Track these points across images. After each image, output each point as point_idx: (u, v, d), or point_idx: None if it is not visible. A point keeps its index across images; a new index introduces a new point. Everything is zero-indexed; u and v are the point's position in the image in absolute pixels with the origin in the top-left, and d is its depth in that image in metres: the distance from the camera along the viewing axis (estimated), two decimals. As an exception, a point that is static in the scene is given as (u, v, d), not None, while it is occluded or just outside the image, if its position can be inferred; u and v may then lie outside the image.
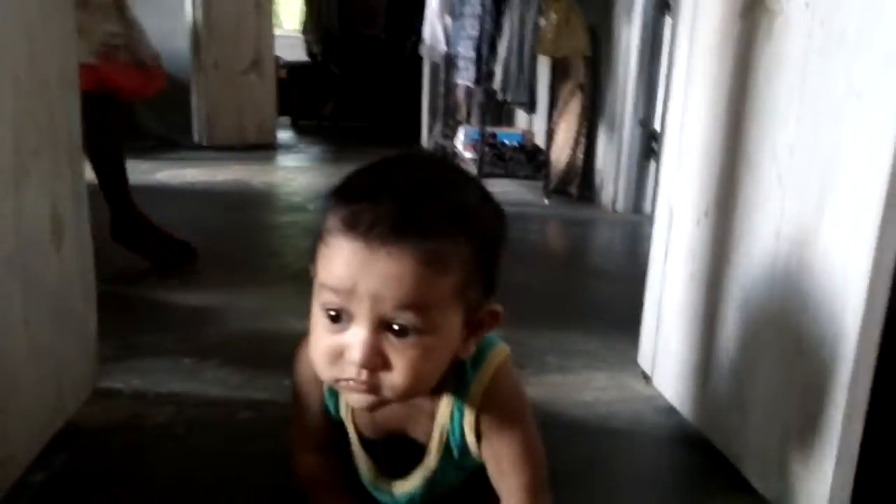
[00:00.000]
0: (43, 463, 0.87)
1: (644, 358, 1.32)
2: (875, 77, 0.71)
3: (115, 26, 1.46)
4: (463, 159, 3.86)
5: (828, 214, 0.79)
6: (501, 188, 3.41)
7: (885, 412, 0.82)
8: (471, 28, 3.25)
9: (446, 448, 0.70)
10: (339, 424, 0.74)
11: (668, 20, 2.71)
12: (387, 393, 0.58)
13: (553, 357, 1.39)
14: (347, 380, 0.58)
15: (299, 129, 5.46)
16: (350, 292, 0.55)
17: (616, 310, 1.70)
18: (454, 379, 0.66)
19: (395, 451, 0.73)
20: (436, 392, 0.67)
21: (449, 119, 4.45)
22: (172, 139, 4.02)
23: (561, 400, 1.22)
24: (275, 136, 4.45)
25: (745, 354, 0.97)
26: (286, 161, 4.13)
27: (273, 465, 0.87)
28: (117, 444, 0.96)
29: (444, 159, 0.72)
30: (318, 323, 0.59)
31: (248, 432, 1.00)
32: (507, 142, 3.52)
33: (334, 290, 0.56)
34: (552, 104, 3.30)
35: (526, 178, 3.32)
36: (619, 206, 2.98)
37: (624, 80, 2.89)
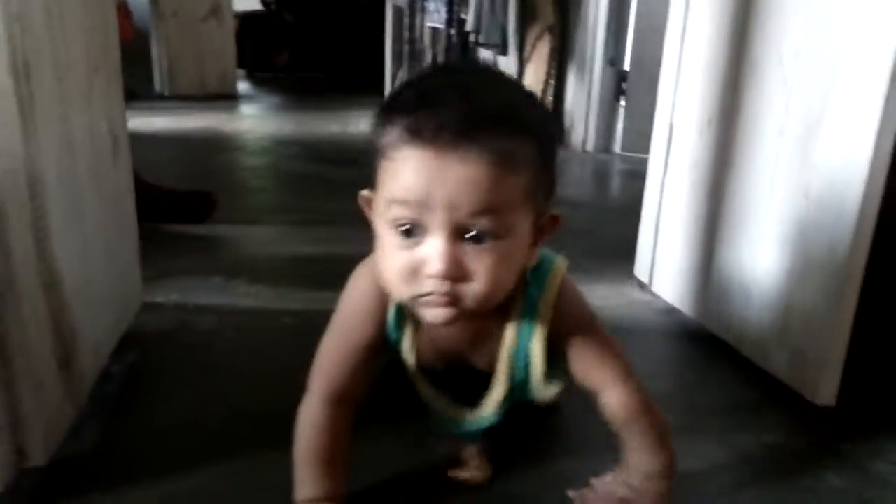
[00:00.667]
0: (117, 359, 0.93)
1: (641, 270, 1.43)
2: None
3: None
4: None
5: (832, 107, 0.89)
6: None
7: (879, 290, 0.94)
8: (439, -31, 3.25)
9: (511, 373, 0.69)
10: (384, 368, 0.72)
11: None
12: (469, 303, 0.57)
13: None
14: (427, 294, 0.56)
15: (256, 81, 5.35)
16: (423, 203, 0.53)
17: (602, 235, 1.81)
18: (521, 298, 0.66)
19: (457, 382, 0.72)
20: (501, 314, 0.66)
21: (414, 64, 4.44)
22: (133, 90, 3.91)
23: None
24: (236, 87, 4.39)
25: (746, 246, 1.08)
26: (250, 110, 4.08)
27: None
28: (176, 343, 1.02)
29: (488, 65, 0.69)
30: (389, 242, 0.57)
31: (294, 333, 1.07)
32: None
33: (406, 203, 0.54)
34: (521, 46, 3.35)
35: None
36: (590, 146, 3.09)
37: (594, 21, 2.96)
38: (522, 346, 0.68)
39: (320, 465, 0.65)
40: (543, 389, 0.72)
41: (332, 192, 2.00)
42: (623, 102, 3.01)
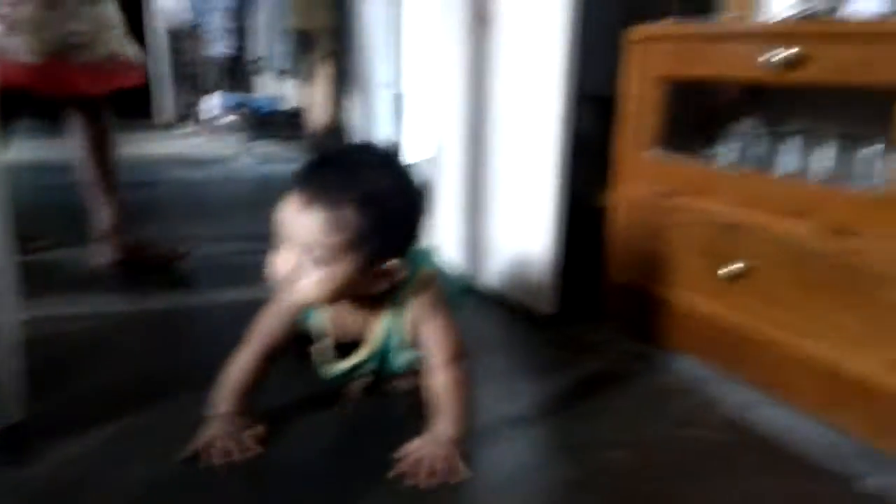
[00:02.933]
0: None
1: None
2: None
3: (83, 24, 1.44)
4: (219, 126, 4.10)
5: (527, 124, 1.43)
6: (266, 149, 3.77)
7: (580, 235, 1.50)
8: (220, 1, 3.50)
9: (385, 340, 1.00)
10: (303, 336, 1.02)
11: None
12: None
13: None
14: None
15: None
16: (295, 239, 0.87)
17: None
18: (392, 297, 0.97)
19: (346, 348, 1.04)
20: (379, 307, 0.98)
21: (193, 88, 4.57)
22: None
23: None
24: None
25: (493, 219, 1.59)
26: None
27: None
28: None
29: (386, 151, 0.95)
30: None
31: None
32: (261, 107, 3.87)
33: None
34: (306, 71, 3.73)
35: (288, 138, 3.74)
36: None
37: (369, 49, 3.44)
38: (392, 324, 1.00)
39: (239, 394, 0.97)
40: (400, 358, 1.03)
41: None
42: (399, 119, 3.52)
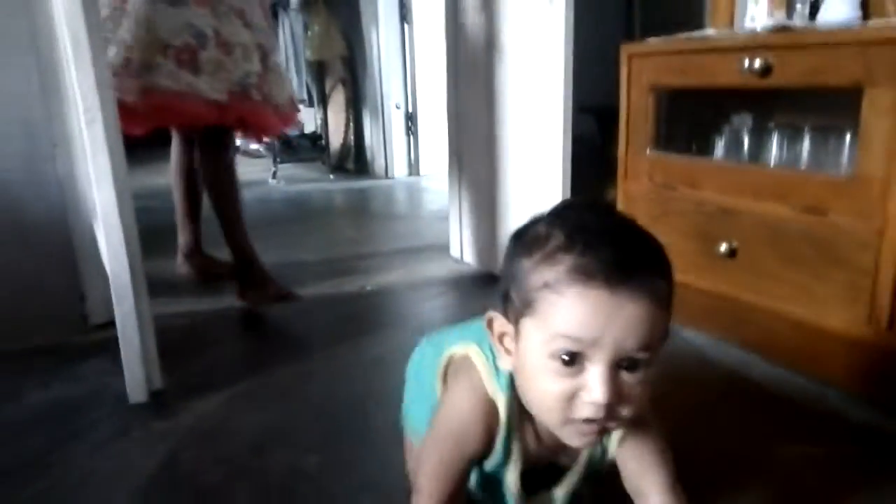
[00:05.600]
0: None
1: (454, 250, 2.10)
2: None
3: (255, 66, 1.55)
4: (248, 152, 4.33)
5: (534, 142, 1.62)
6: (291, 171, 3.99)
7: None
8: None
9: (588, 463, 0.74)
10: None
11: (406, 27, 3.54)
12: (616, 426, 0.62)
13: (399, 259, 2.11)
14: (582, 420, 0.59)
15: None
16: (594, 338, 0.56)
17: (422, 234, 2.47)
18: None
19: (535, 479, 0.76)
20: None
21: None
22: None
23: (411, 275, 1.95)
24: None
25: (511, 220, 1.78)
26: None
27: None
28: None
29: (605, 203, 0.79)
30: (546, 368, 0.59)
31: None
32: (284, 132, 4.10)
33: (578, 339, 0.56)
34: (322, 98, 3.95)
35: (311, 160, 3.97)
36: (391, 173, 3.77)
37: (378, 74, 3.66)
38: (602, 444, 0.73)
39: None
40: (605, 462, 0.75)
41: None
42: (411, 137, 3.74)
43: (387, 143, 3.74)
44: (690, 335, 1.44)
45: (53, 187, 1.44)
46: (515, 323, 0.63)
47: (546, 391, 0.60)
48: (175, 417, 1.15)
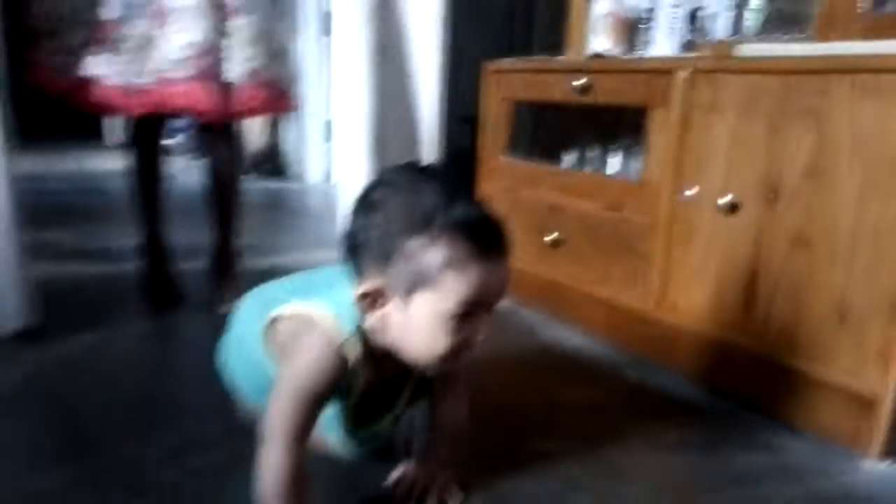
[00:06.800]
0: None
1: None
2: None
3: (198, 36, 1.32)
4: (167, 146, 4.39)
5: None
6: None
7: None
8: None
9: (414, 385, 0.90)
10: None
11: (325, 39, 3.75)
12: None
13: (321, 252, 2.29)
14: (455, 355, 0.74)
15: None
16: (486, 299, 0.72)
17: (322, 231, 2.65)
18: None
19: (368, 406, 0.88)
20: None
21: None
22: None
23: (303, 259, 2.12)
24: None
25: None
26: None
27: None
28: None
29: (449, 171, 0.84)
30: (445, 328, 0.71)
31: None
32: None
33: (475, 303, 0.71)
34: (244, 100, 4.10)
35: (228, 159, 4.09)
36: (307, 177, 3.93)
37: (300, 78, 3.83)
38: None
39: (291, 498, 0.75)
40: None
41: None
42: (328, 143, 3.92)
43: (303, 149, 3.91)
44: (527, 314, 1.68)
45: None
46: (406, 294, 0.71)
47: (439, 345, 0.72)
48: (45, 348, 1.29)
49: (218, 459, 0.96)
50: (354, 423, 0.89)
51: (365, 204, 0.75)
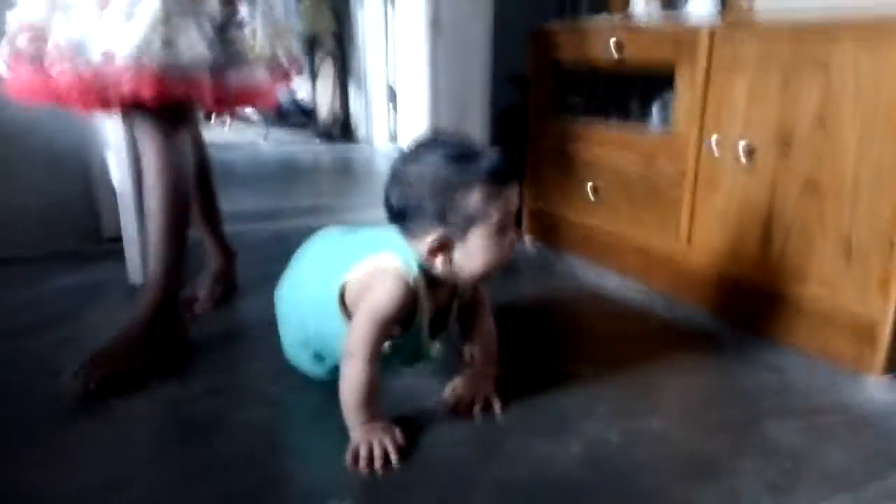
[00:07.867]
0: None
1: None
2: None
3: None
4: (240, 117, 4.71)
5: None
6: (280, 136, 4.37)
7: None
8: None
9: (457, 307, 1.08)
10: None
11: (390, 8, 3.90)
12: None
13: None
14: (500, 266, 0.97)
15: None
16: (510, 215, 0.95)
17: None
18: None
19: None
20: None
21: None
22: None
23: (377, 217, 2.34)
24: None
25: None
26: None
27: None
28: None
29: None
30: (494, 245, 0.93)
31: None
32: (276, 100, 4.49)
33: (507, 218, 0.94)
34: (311, 70, 4.33)
35: (299, 126, 4.37)
36: (372, 140, 4.14)
37: (363, 49, 4.02)
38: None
39: (371, 404, 0.96)
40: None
41: None
42: (392, 108, 4.11)
43: (368, 113, 4.11)
44: (569, 260, 1.84)
45: (75, 123, 1.80)
46: (463, 234, 0.92)
47: (494, 258, 0.94)
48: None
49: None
50: (431, 335, 1.04)
51: (401, 181, 0.94)
